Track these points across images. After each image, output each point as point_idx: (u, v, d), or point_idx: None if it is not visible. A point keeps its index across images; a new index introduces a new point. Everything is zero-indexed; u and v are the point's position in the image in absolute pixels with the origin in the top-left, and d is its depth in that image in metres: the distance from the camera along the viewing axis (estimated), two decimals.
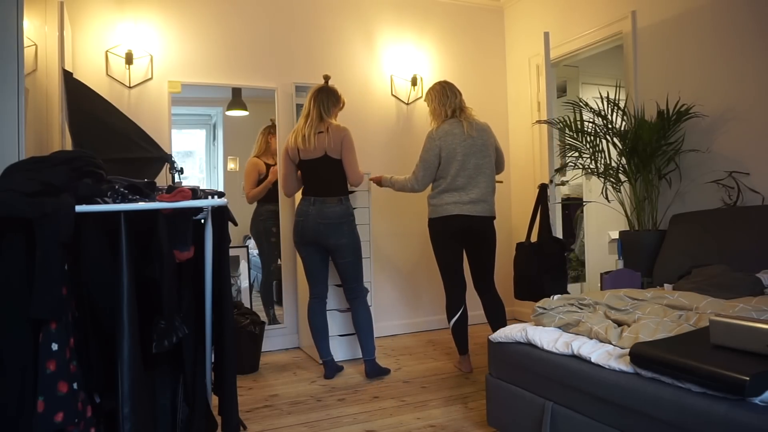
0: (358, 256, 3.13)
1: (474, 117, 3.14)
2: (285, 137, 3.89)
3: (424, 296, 4.36)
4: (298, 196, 3.29)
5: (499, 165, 3.25)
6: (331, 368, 3.17)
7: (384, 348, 3.78)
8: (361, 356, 3.50)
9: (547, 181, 3.44)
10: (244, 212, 3.86)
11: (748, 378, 1.29)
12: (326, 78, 3.28)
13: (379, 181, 3.38)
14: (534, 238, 3.23)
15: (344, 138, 3.03)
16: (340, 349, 3.46)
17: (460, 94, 3.17)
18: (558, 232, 4.30)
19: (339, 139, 3.02)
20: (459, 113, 3.10)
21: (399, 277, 4.27)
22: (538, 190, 3.31)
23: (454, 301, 3.12)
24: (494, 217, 3.15)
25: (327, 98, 3.10)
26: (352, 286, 3.15)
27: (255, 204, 3.87)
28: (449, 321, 3.13)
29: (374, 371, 3.13)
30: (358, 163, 3.11)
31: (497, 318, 3.09)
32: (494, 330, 2.68)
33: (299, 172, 3.17)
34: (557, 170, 3.74)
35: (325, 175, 3.06)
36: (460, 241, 3.12)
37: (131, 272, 1.59)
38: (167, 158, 2.71)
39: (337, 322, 3.46)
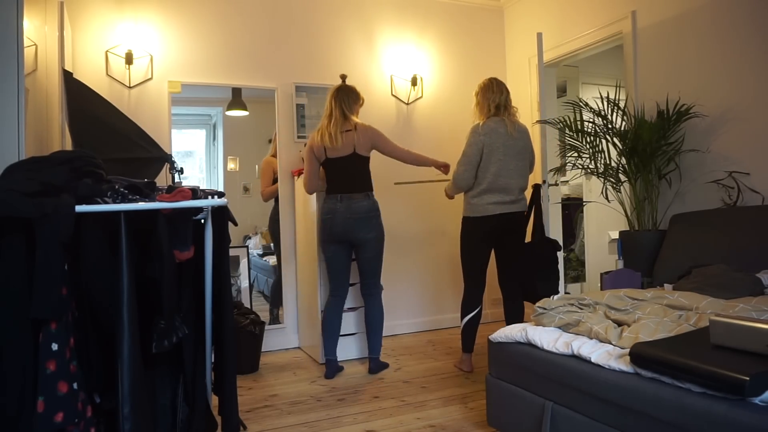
0: (381, 251, 3.19)
1: (517, 118, 3.14)
2: (285, 137, 3.91)
3: (424, 296, 4.36)
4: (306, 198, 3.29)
5: (531, 167, 3.26)
6: (332, 368, 3.19)
7: (384, 348, 3.77)
8: (360, 356, 3.52)
9: (540, 182, 3.44)
10: (244, 212, 3.86)
11: (748, 378, 1.29)
12: (343, 77, 3.32)
13: (450, 196, 3.34)
14: (528, 238, 3.24)
15: (374, 135, 3.12)
16: (340, 348, 3.44)
17: (508, 93, 3.14)
18: (557, 232, 4.31)
19: (369, 137, 3.10)
20: (503, 111, 3.09)
21: (399, 277, 4.27)
22: (531, 191, 3.32)
23: (472, 300, 3.12)
24: (525, 211, 3.17)
25: (347, 96, 3.14)
26: (370, 282, 3.19)
27: (273, 203, 3.92)
28: (462, 318, 3.14)
29: (377, 367, 3.21)
30: (389, 140, 3.17)
31: (515, 319, 3.10)
32: None
33: (322, 170, 3.21)
34: (556, 170, 3.74)
35: (352, 173, 3.10)
36: (493, 241, 3.12)
37: (131, 272, 1.59)
38: (167, 158, 2.71)
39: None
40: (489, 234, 3.07)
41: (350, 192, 3.08)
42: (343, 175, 3.11)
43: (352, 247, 3.16)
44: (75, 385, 1.50)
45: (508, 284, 3.16)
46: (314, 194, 3.43)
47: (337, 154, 3.08)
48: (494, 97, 3.09)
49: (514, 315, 3.11)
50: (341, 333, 3.48)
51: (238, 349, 3.10)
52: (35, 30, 2.36)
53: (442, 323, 4.36)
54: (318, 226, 3.26)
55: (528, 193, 3.29)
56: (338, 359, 3.35)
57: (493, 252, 3.20)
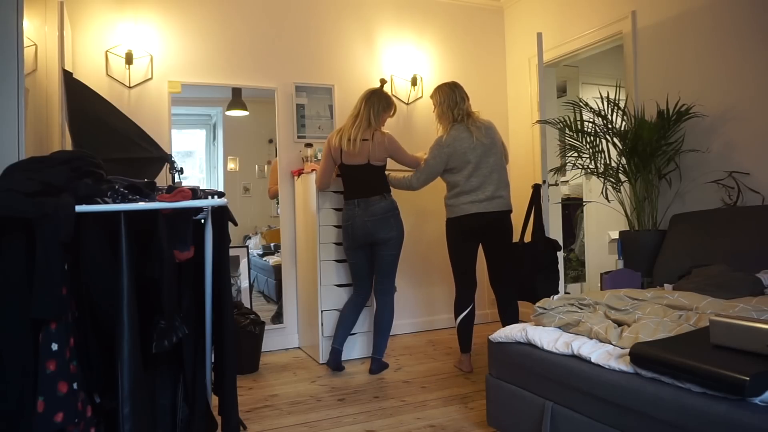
0: (400, 251, 3.22)
1: (479, 119, 3.14)
2: (285, 137, 3.91)
3: (424, 296, 4.36)
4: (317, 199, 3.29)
5: (506, 158, 3.28)
6: (336, 358, 3.21)
7: None
8: (361, 356, 3.52)
9: (540, 182, 3.44)
10: (244, 212, 3.86)
11: (748, 378, 1.29)
12: (382, 82, 3.34)
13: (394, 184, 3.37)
14: (528, 238, 3.24)
15: (391, 147, 3.13)
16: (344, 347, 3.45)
17: (468, 99, 3.17)
18: (557, 232, 4.31)
19: (385, 149, 3.11)
20: (466, 119, 3.11)
21: (399, 277, 4.25)
22: (531, 191, 3.32)
23: (464, 299, 3.14)
24: (510, 210, 3.17)
25: (378, 103, 3.14)
26: (385, 282, 3.22)
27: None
28: (456, 318, 3.16)
29: (378, 368, 3.20)
30: (404, 151, 3.22)
31: (509, 319, 3.10)
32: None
33: (338, 172, 3.25)
34: (556, 170, 3.74)
35: (367, 179, 3.13)
36: (477, 240, 3.15)
37: (131, 272, 1.58)
38: (167, 158, 2.71)
39: None
40: (469, 233, 3.10)
41: (366, 196, 3.11)
42: (359, 182, 3.14)
43: (374, 245, 3.18)
44: (75, 385, 1.50)
45: (498, 285, 3.17)
46: (315, 195, 3.43)
47: (351, 161, 3.11)
48: (459, 108, 3.11)
49: (508, 316, 3.11)
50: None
51: (238, 349, 3.10)
52: (35, 30, 2.36)
53: (443, 323, 4.36)
54: (342, 234, 3.28)
55: (528, 193, 3.29)
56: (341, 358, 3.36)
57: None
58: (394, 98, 4.21)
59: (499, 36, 4.74)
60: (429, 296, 4.38)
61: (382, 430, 2.38)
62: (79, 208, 1.51)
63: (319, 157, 3.61)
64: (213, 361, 1.96)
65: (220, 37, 3.76)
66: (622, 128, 3.25)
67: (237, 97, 3.86)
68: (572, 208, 5.12)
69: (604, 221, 4.66)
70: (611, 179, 3.28)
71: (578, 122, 3.31)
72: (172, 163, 2.68)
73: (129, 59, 3.46)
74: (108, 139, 2.58)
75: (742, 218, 2.67)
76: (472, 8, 4.61)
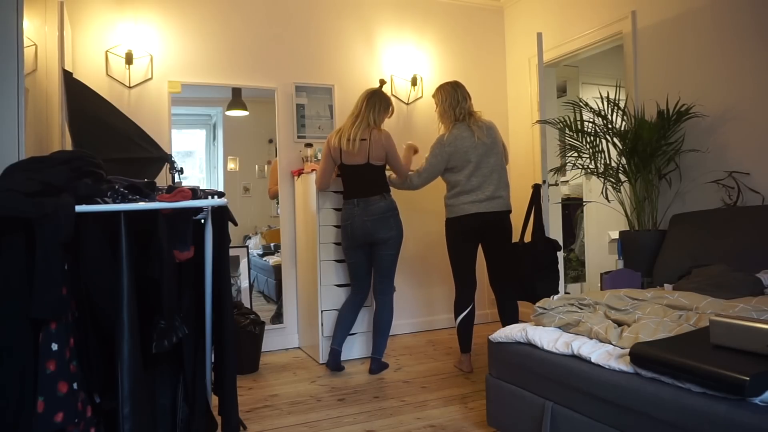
0: (399, 250, 3.22)
1: (480, 119, 3.15)
2: (285, 137, 3.91)
3: (424, 296, 4.36)
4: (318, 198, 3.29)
5: (506, 159, 3.29)
6: (335, 359, 3.21)
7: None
8: (361, 356, 3.52)
9: (540, 182, 3.44)
10: (244, 212, 3.86)
11: (748, 378, 1.29)
12: (382, 82, 3.35)
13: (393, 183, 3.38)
14: (528, 238, 3.24)
15: (387, 145, 3.13)
16: (343, 346, 3.45)
17: (470, 98, 3.18)
18: (557, 232, 4.31)
19: (382, 146, 3.11)
20: (468, 118, 3.11)
21: (399, 277, 4.26)
22: (531, 191, 3.33)
23: (464, 299, 3.14)
24: (510, 211, 3.17)
25: (379, 103, 3.15)
26: (384, 282, 3.22)
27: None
28: (456, 318, 3.16)
29: (378, 368, 3.20)
30: (398, 155, 3.22)
31: (509, 319, 3.10)
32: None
33: (338, 172, 3.25)
34: (556, 170, 3.74)
35: (366, 179, 3.13)
36: (476, 240, 3.15)
37: (131, 272, 1.58)
38: (167, 158, 2.71)
39: None
40: (469, 233, 3.10)
41: (366, 195, 3.11)
42: (358, 181, 3.14)
43: (374, 245, 3.19)
44: (75, 385, 1.50)
45: (497, 284, 3.18)
46: (315, 195, 3.44)
47: (351, 160, 3.11)
48: (460, 107, 3.12)
49: (508, 315, 3.11)
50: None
51: (238, 349, 3.11)
52: (35, 30, 2.36)
53: (442, 323, 4.36)
54: (341, 233, 3.28)
55: (528, 193, 3.28)
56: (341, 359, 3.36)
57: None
58: (393, 98, 4.28)
59: (499, 36, 4.74)
60: (429, 296, 4.38)
61: (382, 430, 2.38)
62: (79, 208, 1.51)
63: (319, 157, 3.61)
64: (213, 361, 1.96)
65: (220, 37, 3.76)
66: (622, 128, 3.25)
67: (237, 97, 3.86)
68: (572, 208, 5.12)
69: (604, 221, 4.66)
70: (611, 179, 3.28)
71: (578, 122, 3.31)
72: (172, 163, 2.68)
73: (129, 59, 3.46)
74: (108, 139, 2.58)
75: (742, 218, 2.67)
76: (472, 8, 4.61)
